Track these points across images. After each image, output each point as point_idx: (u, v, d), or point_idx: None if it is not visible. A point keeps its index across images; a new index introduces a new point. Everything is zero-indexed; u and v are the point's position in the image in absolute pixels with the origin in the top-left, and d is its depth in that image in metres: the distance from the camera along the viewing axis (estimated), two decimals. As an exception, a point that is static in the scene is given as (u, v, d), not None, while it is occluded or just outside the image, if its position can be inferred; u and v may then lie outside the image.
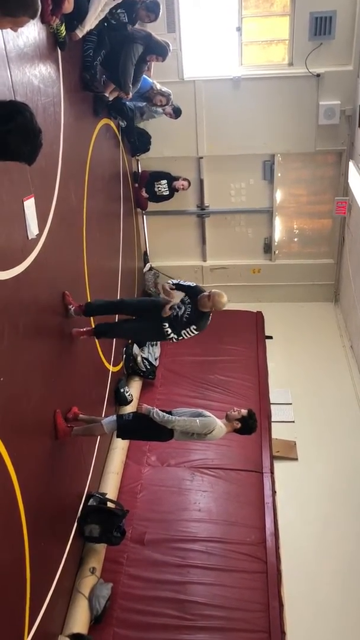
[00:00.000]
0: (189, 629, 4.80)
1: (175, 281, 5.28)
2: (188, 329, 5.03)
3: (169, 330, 5.07)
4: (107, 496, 5.58)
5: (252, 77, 7.91)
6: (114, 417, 4.86)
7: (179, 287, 5.23)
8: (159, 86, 6.85)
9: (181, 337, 5.10)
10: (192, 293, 5.08)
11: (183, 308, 5.10)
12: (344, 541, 5.60)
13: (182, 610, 4.92)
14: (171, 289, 5.15)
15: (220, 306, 4.91)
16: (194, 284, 5.24)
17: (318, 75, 7.68)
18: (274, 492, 6.06)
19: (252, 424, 4.75)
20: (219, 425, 4.67)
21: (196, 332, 5.06)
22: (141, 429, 4.78)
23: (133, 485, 6.05)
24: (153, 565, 5.26)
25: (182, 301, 5.19)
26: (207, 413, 4.72)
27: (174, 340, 5.14)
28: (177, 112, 7.32)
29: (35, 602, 3.90)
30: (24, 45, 3.89)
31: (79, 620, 4.63)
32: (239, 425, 4.72)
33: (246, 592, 5.08)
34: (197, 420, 4.63)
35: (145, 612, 4.89)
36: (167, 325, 5.07)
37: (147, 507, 5.82)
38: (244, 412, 4.75)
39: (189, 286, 5.17)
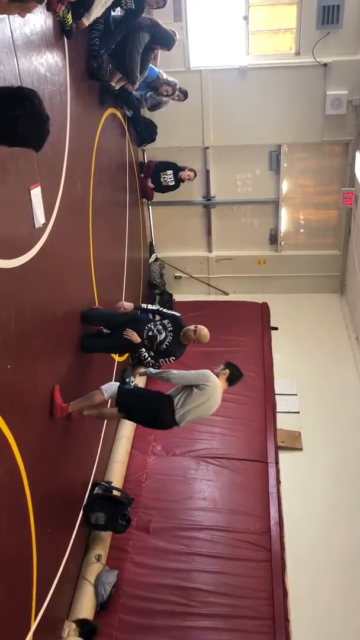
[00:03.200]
0: (194, 616, 4.85)
1: (155, 307, 5.49)
2: (167, 359, 5.16)
3: (146, 355, 5.13)
4: (113, 485, 5.62)
5: (258, 67, 7.87)
6: (116, 384, 4.82)
7: (160, 313, 5.36)
8: (165, 76, 6.82)
9: (157, 365, 5.22)
10: (176, 323, 5.17)
11: (164, 334, 5.12)
12: (347, 530, 5.63)
13: (186, 597, 4.97)
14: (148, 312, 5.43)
15: (204, 340, 5.09)
16: (178, 314, 5.30)
17: (325, 64, 7.64)
18: (278, 482, 6.09)
19: (235, 367, 4.86)
20: (214, 376, 4.70)
21: (172, 362, 5.23)
22: (140, 404, 4.77)
23: (138, 474, 6.09)
24: (158, 553, 5.31)
25: (162, 324, 5.16)
26: None
27: (150, 364, 5.22)
28: (185, 95, 7.27)
29: (41, 588, 3.94)
30: (31, 34, 3.88)
31: (85, 606, 4.68)
32: (228, 372, 4.78)
33: (251, 580, 5.12)
34: (192, 372, 4.70)
35: (150, 599, 4.95)
36: (143, 350, 5.11)
37: (152, 496, 5.86)
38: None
39: (173, 315, 5.26)
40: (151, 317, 5.55)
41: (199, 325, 5.07)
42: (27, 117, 2.07)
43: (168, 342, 5.10)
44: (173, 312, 5.36)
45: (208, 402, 4.67)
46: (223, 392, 4.77)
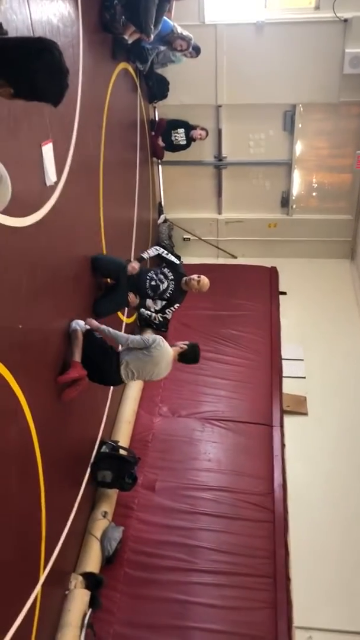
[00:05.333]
0: (197, 572, 4.97)
1: (158, 251, 5.54)
2: (171, 308, 5.45)
3: (151, 314, 5.63)
4: (120, 444, 5.69)
5: (276, 22, 7.58)
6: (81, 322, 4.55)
7: (161, 258, 5.45)
8: (179, 30, 6.59)
9: (165, 316, 5.49)
10: (176, 271, 5.36)
11: (166, 283, 5.30)
12: (349, 494, 5.70)
13: (190, 554, 5.08)
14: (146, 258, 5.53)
15: (205, 290, 5.36)
16: (178, 262, 5.48)
17: (345, 20, 7.35)
18: (283, 445, 6.15)
19: (196, 350, 4.81)
20: (166, 344, 4.63)
21: (176, 309, 5.50)
22: (90, 352, 4.52)
23: (144, 434, 6.16)
24: (163, 511, 5.41)
25: (162, 273, 5.32)
26: None
27: (156, 319, 5.61)
28: (197, 51, 7.05)
29: (50, 543, 4.03)
30: (44, -19, 3.74)
31: (91, 560, 4.80)
32: (185, 348, 4.75)
33: (253, 539, 5.22)
34: (137, 336, 4.71)
35: (154, 554, 5.06)
36: (144, 311, 5.45)
37: (158, 456, 5.94)
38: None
39: (172, 262, 5.43)
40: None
41: (201, 276, 5.34)
42: (47, 70, 1.98)
43: (171, 290, 5.33)
44: (172, 259, 5.49)
45: (155, 367, 4.59)
46: (173, 362, 4.72)
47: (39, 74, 1.97)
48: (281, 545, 5.15)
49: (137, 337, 4.69)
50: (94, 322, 4.57)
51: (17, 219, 3.36)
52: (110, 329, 4.68)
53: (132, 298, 5.33)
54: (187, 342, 4.81)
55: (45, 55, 1.98)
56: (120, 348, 4.72)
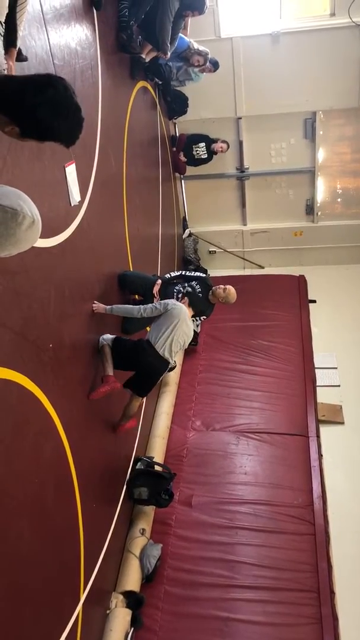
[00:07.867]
0: (238, 588, 4.88)
1: (178, 273, 5.65)
2: (199, 318, 5.45)
3: None
4: (154, 460, 5.66)
5: (292, 31, 7.58)
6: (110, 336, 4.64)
7: (184, 277, 5.55)
8: (196, 45, 6.66)
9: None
10: (204, 283, 5.43)
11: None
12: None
13: (231, 570, 5.00)
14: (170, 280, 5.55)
15: (232, 301, 5.39)
16: (203, 275, 5.59)
17: (362, 24, 7.32)
18: (320, 456, 6.04)
19: (193, 294, 5.18)
20: (175, 301, 4.71)
21: (203, 320, 5.58)
22: (123, 352, 4.57)
23: (179, 449, 6.12)
24: (201, 526, 5.35)
25: (190, 286, 5.39)
26: None
27: None
28: (215, 66, 7.09)
29: (89, 561, 4.02)
30: (60, 6, 3.82)
31: (131, 578, 4.77)
32: (187, 299, 4.96)
33: (295, 553, 5.11)
34: (149, 304, 4.68)
35: (194, 571, 5.00)
36: None
37: (193, 471, 5.89)
38: None
39: (198, 276, 5.55)
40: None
41: (227, 285, 5.38)
42: (49, 106, 1.88)
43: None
44: (198, 274, 5.59)
45: (178, 324, 4.56)
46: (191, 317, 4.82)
47: (40, 109, 1.88)
48: (323, 559, 5.03)
49: (149, 305, 4.67)
50: (102, 306, 4.49)
51: (44, 239, 3.40)
52: (120, 305, 4.65)
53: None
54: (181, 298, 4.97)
55: (47, 91, 1.88)
56: (147, 336, 4.70)
